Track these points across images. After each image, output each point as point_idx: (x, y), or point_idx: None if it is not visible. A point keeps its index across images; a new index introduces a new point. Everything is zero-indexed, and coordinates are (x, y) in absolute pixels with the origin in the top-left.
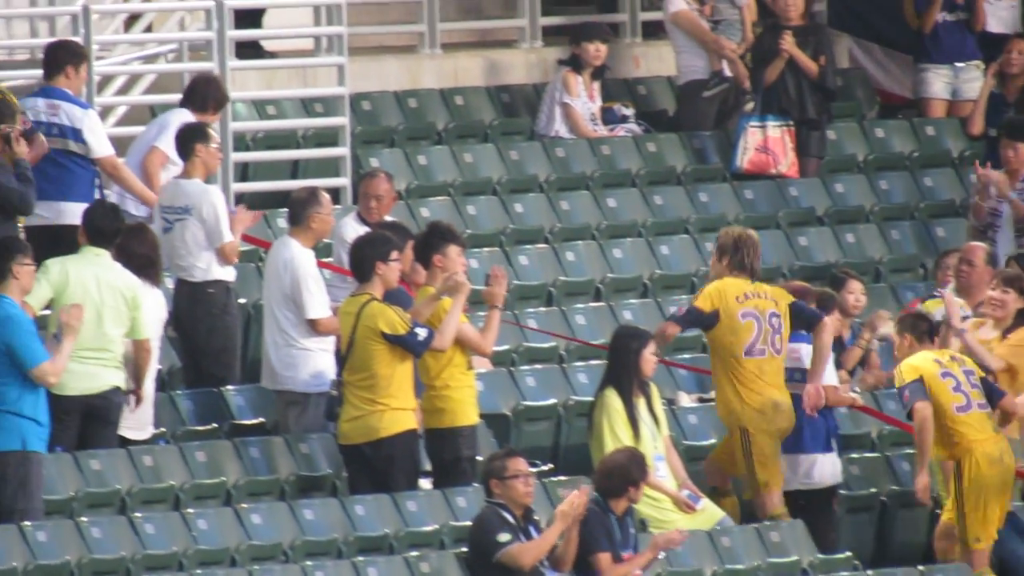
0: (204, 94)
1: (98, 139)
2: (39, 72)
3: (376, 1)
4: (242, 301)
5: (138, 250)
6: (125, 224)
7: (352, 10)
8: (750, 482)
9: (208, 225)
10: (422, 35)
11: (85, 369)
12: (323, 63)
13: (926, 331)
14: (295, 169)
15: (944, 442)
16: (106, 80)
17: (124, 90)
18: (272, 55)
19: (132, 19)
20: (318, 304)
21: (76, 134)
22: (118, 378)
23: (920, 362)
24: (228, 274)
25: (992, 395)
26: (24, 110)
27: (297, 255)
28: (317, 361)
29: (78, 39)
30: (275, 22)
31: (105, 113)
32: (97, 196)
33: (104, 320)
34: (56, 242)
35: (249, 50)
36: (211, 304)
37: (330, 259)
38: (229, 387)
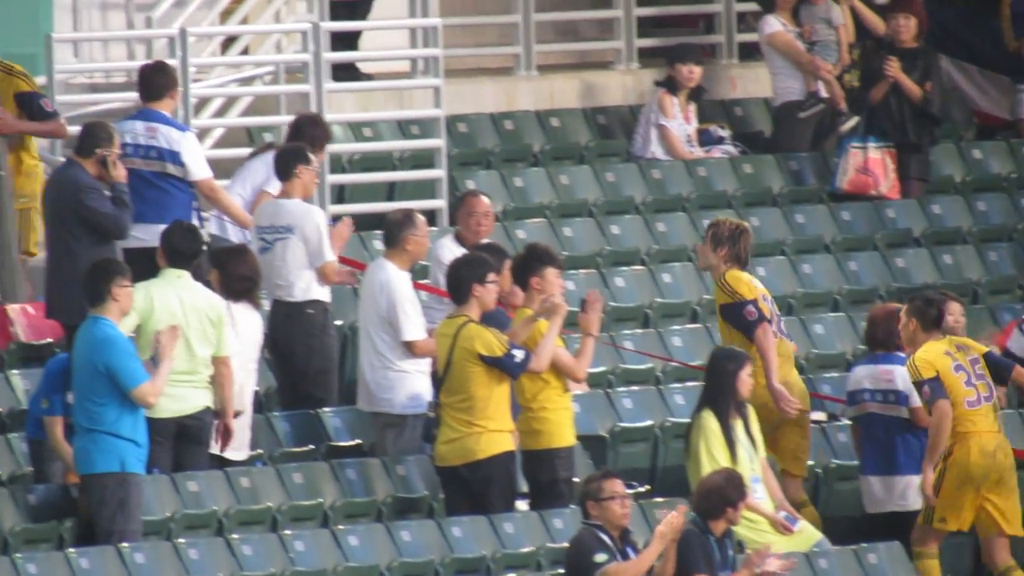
0: (311, 135)
1: (196, 161)
2: (136, 95)
3: (472, 23)
4: (338, 323)
5: (239, 272)
6: (223, 247)
7: (448, 32)
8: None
9: (311, 244)
10: (518, 57)
11: (176, 391)
12: (419, 85)
13: (934, 319)
14: (391, 191)
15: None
16: (203, 102)
17: (221, 112)
18: (368, 77)
19: (229, 41)
20: (414, 326)
21: (174, 156)
22: (208, 399)
23: (934, 357)
24: (326, 294)
25: (1000, 370)
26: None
27: (393, 277)
28: (414, 383)
29: (175, 61)
30: (371, 44)
31: (202, 135)
32: (195, 218)
33: (191, 342)
34: (154, 264)
35: (345, 72)
36: (310, 324)
37: (427, 281)
38: (326, 409)
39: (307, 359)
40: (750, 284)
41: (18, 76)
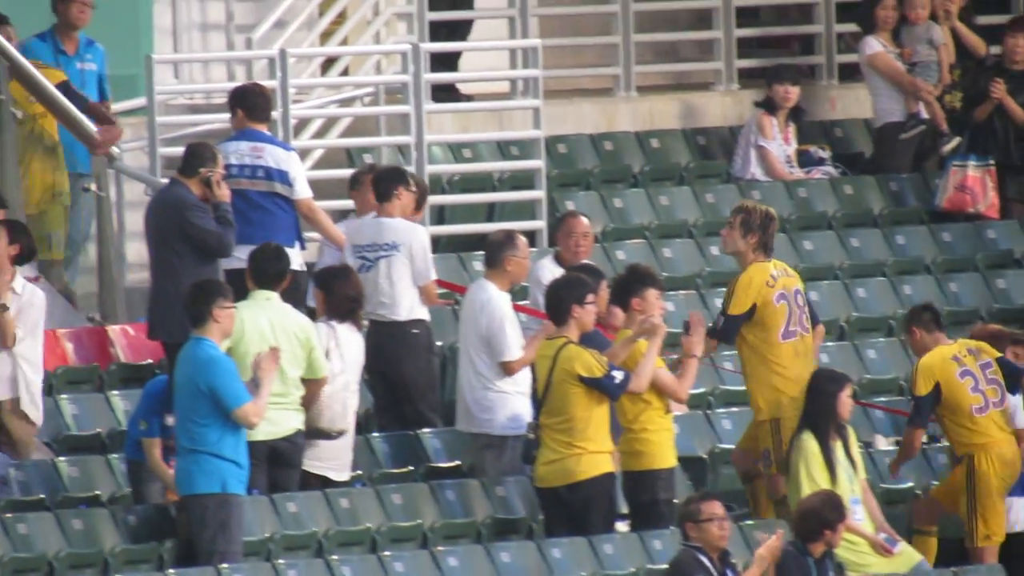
0: (254, 103)
1: (300, 181)
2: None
3: (572, 44)
4: (438, 343)
5: (344, 293)
6: (328, 268)
7: (548, 53)
8: (775, 460)
9: (416, 263)
10: (617, 78)
11: (269, 413)
12: (519, 106)
13: (932, 320)
14: (491, 212)
15: (960, 439)
16: (302, 123)
17: (320, 133)
18: (468, 98)
19: (328, 62)
20: (514, 346)
21: (282, 176)
22: (299, 421)
23: (939, 364)
24: (427, 314)
25: (1012, 376)
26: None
27: (493, 297)
28: (513, 404)
29: (274, 83)
30: (471, 65)
31: (302, 156)
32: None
33: (282, 364)
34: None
35: (445, 93)
36: (416, 343)
37: (526, 302)
38: (425, 430)
39: (413, 379)
40: (760, 290)
41: (49, 67)
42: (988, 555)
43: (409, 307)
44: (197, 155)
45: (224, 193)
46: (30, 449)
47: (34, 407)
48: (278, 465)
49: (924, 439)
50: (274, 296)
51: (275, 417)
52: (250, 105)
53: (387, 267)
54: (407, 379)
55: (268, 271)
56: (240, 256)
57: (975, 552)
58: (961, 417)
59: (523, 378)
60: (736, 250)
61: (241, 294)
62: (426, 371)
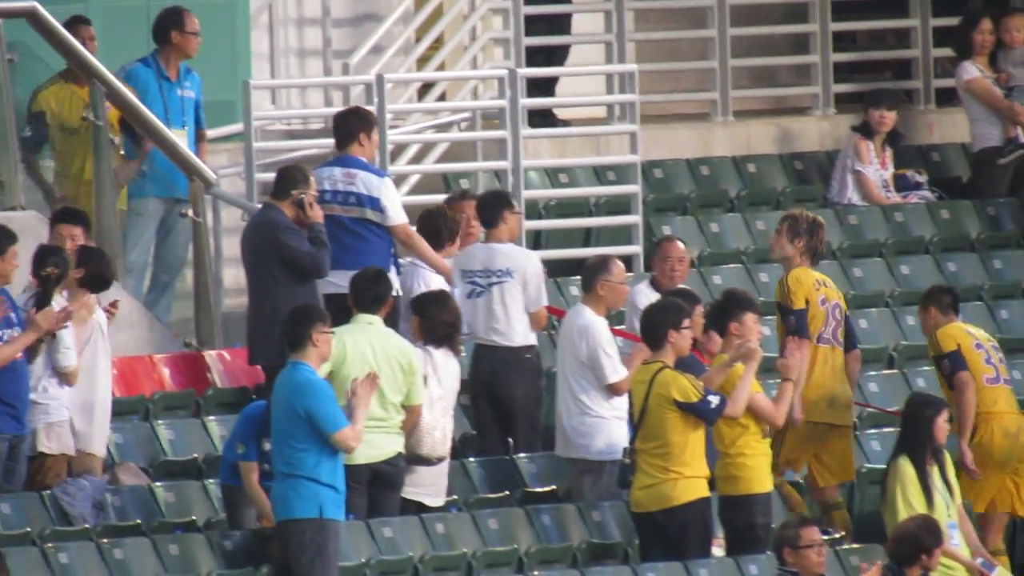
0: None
1: (394, 207)
2: (332, 141)
3: (669, 69)
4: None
5: (441, 318)
6: (425, 293)
7: (644, 78)
8: (775, 461)
9: (530, 289)
10: (714, 103)
11: (370, 437)
12: (615, 131)
13: (949, 303)
14: (587, 237)
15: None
16: (399, 149)
17: (417, 158)
18: (565, 123)
19: (425, 87)
20: (617, 367)
21: (374, 202)
22: (400, 444)
23: (955, 332)
24: (535, 339)
25: None
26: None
27: (591, 322)
28: (611, 429)
29: (371, 108)
30: (568, 90)
31: (398, 181)
32: (392, 265)
33: (384, 388)
34: (351, 310)
35: (542, 118)
36: (529, 369)
37: (622, 326)
38: (520, 454)
39: (525, 404)
40: (810, 290)
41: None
42: (994, 526)
43: (523, 333)
44: (289, 178)
45: (317, 214)
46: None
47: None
48: (379, 488)
49: None
50: (376, 320)
51: (376, 441)
52: (339, 129)
53: (500, 293)
54: (518, 404)
55: (370, 295)
56: (336, 281)
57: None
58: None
59: (621, 403)
60: (784, 255)
61: (338, 319)
62: (535, 396)
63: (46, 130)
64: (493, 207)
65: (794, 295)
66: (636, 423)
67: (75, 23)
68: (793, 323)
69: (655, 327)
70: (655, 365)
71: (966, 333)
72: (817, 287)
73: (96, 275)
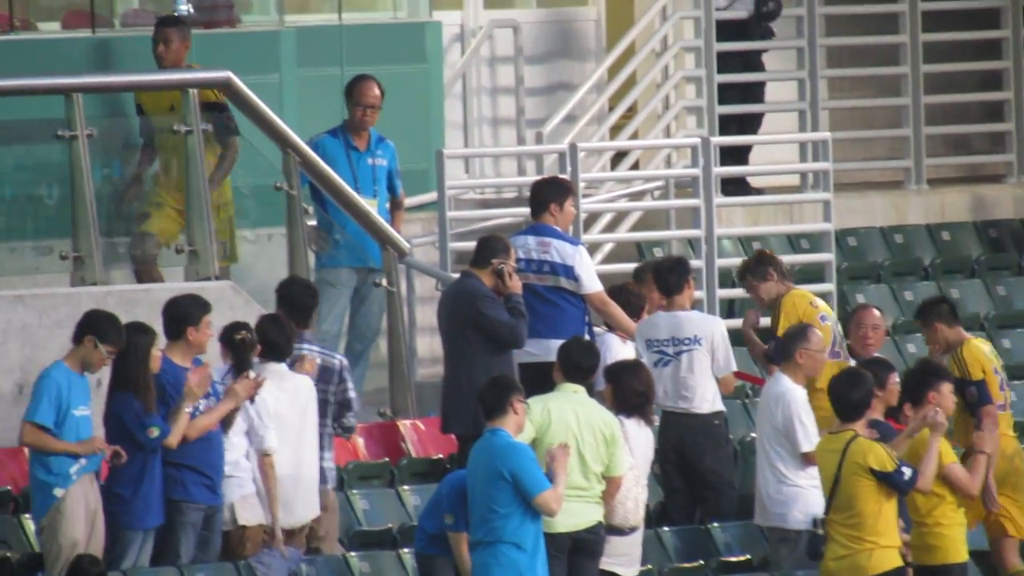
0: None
1: (588, 275)
2: (526, 210)
3: (862, 137)
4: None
5: (634, 387)
6: (618, 362)
7: (838, 146)
8: None
9: (717, 355)
10: (908, 170)
11: (571, 506)
12: (809, 199)
13: (951, 313)
14: None
15: (968, 431)
16: (593, 217)
17: (610, 227)
18: (758, 191)
19: (618, 156)
20: (812, 437)
21: (567, 271)
22: (600, 513)
23: (983, 357)
24: (723, 406)
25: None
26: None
27: (788, 390)
28: (808, 498)
29: (565, 176)
30: (761, 158)
31: (592, 249)
32: (587, 333)
33: (586, 457)
34: (545, 379)
35: (735, 186)
36: (718, 435)
37: None
38: (715, 523)
39: (715, 471)
40: (806, 309)
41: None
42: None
43: (711, 399)
44: (489, 247)
45: (516, 285)
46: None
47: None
48: (579, 557)
49: None
50: (581, 390)
51: (576, 509)
52: (536, 199)
53: (688, 361)
54: (708, 471)
55: (580, 365)
56: (530, 350)
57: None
58: None
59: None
60: (777, 294)
61: (532, 389)
62: (726, 463)
63: (149, 124)
64: (675, 274)
65: (788, 320)
66: (828, 493)
67: (162, 24)
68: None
69: (849, 395)
70: (846, 434)
71: (987, 357)
72: (814, 304)
73: (275, 344)
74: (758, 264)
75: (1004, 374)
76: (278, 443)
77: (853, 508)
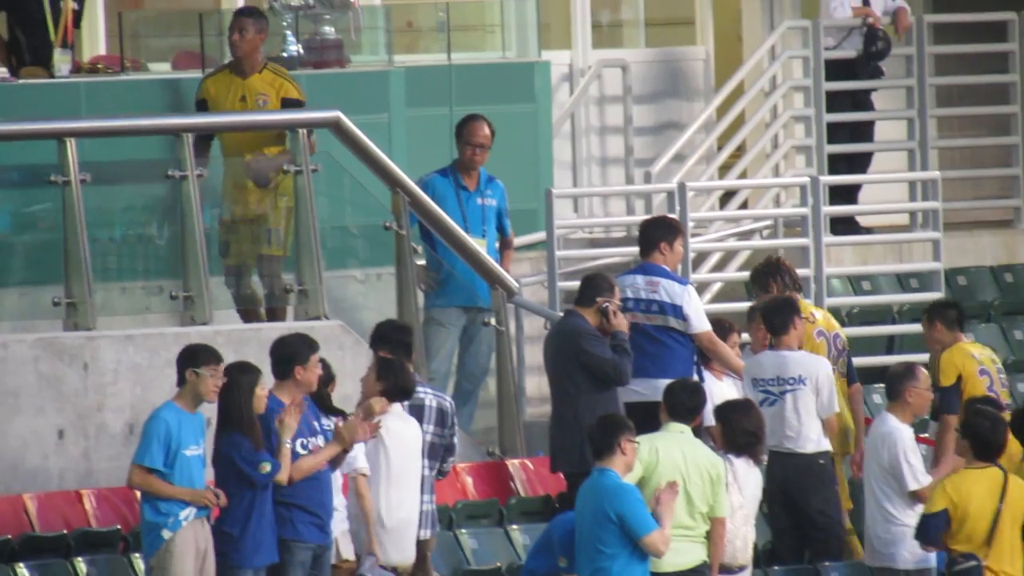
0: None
1: (697, 315)
2: (634, 249)
3: (972, 176)
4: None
5: (744, 427)
6: (729, 401)
7: (947, 185)
8: None
9: (822, 395)
10: (1018, 209)
11: (676, 545)
12: (918, 238)
13: (956, 319)
14: (890, 344)
15: None
16: (701, 256)
17: (719, 266)
18: (868, 230)
19: (727, 195)
20: (919, 475)
21: (676, 310)
22: (705, 553)
23: (961, 358)
24: (828, 445)
25: None
26: (623, 287)
27: (895, 429)
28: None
29: (674, 216)
30: (870, 198)
31: (701, 289)
32: (695, 373)
33: (692, 497)
34: (653, 418)
35: (844, 225)
36: (823, 475)
37: (926, 434)
38: (824, 563)
39: (822, 511)
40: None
41: (288, 80)
42: None
43: (816, 440)
44: (593, 285)
45: (620, 323)
46: None
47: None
48: None
49: None
50: (687, 430)
51: (682, 548)
52: (645, 238)
53: (793, 401)
54: (815, 511)
55: (686, 405)
56: (638, 389)
57: None
58: None
59: None
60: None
61: (640, 428)
62: (834, 503)
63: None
64: (783, 313)
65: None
66: (987, 537)
67: (239, 14)
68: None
69: (990, 436)
70: (991, 472)
71: (970, 357)
72: (811, 319)
73: (400, 387)
74: (763, 273)
75: (1003, 374)
76: (384, 486)
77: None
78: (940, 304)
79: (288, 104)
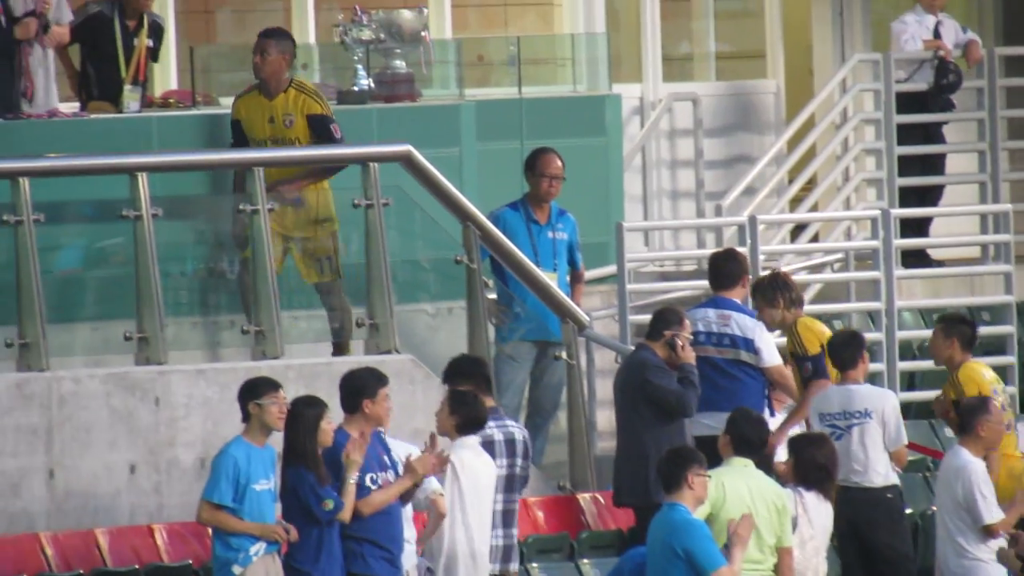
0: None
1: (768, 349)
2: (705, 283)
3: None
4: (909, 511)
5: (817, 461)
6: (802, 434)
7: (1019, 218)
8: None
9: (889, 428)
10: None
11: None
12: (990, 271)
13: (970, 340)
14: None
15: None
16: None
17: None
18: (939, 263)
19: (798, 228)
20: (992, 509)
21: (748, 344)
22: None
23: (978, 376)
24: (896, 479)
25: None
26: (695, 320)
27: (968, 463)
28: (990, 571)
29: (744, 249)
30: (941, 230)
31: None
32: (767, 408)
33: (761, 530)
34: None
35: (915, 258)
36: (892, 509)
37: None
38: None
39: (890, 545)
40: (820, 330)
41: (311, 96)
42: None
43: (884, 473)
44: (663, 319)
45: (688, 356)
46: None
47: None
48: None
49: None
50: (751, 463)
51: None
52: (716, 272)
53: (860, 434)
54: (884, 545)
55: (751, 438)
56: (708, 423)
57: None
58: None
59: (1000, 545)
60: (783, 320)
61: (712, 462)
62: (902, 537)
63: (244, 139)
64: (850, 349)
65: (807, 341)
66: None
67: (262, 36)
68: (810, 369)
69: None
70: None
71: (984, 378)
72: (823, 329)
73: (473, 419)
74: (769, 287)
75: (1005, 396)
76: (459, 518)
77: None
78: (956, 320)
79: (313, 120)
